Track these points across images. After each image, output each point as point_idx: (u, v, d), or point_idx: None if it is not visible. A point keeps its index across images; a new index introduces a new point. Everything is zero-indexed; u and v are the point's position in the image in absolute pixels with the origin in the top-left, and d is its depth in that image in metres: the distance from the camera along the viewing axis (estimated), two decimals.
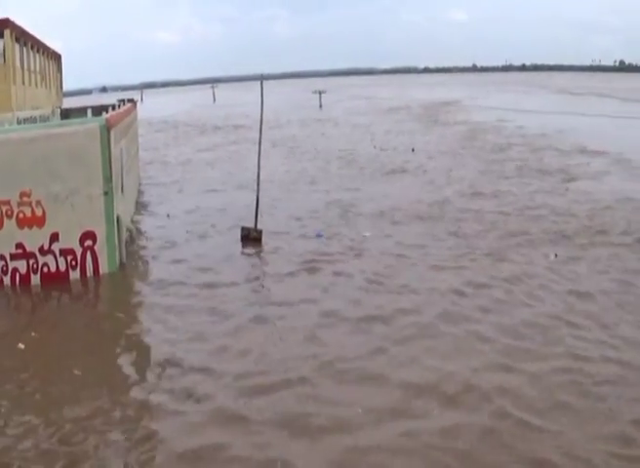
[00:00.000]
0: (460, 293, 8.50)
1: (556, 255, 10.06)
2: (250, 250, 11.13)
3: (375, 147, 24.27)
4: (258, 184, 12.01)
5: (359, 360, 6.68)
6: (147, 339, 7.48)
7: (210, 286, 9.13)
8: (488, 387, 5.98)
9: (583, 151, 21.88)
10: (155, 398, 5.95)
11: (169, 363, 6.66)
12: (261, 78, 12.62)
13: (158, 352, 7.00)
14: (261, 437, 5.29)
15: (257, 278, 9.73)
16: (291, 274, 9.56)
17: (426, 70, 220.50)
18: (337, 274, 9.44)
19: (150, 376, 6.46)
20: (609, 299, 8.20)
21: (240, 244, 11.38)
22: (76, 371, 6.53)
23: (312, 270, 9.71)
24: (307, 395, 5.99)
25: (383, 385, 6.14)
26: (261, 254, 10.92)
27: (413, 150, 23.03)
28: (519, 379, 6.16)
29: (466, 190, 15.64)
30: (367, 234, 11.79)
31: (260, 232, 11.53)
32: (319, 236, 11.58)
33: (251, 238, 11.50)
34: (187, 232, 12.31)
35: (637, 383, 6.06)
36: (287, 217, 13.31)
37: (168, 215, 13.69)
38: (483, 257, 10.10)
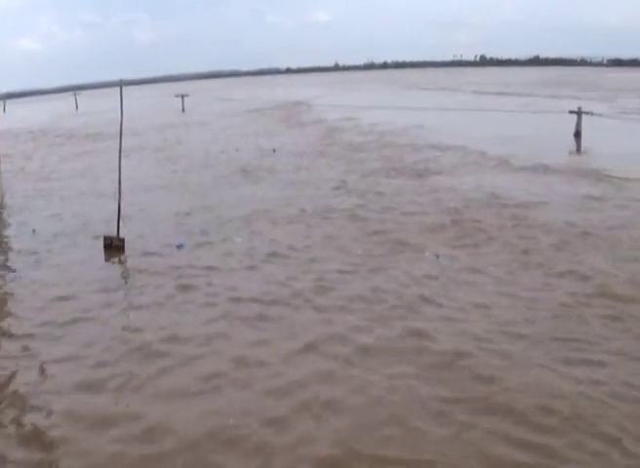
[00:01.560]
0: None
1: (438, 256, 10.34)
2: (112, 259, 11.11)
3: (235, 150, 24.30)
4: (119, 193, 11.91)
5: None
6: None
7: (63, 299, 9.17)
8: None
9: (435, 146, 22.82)
10: None
11: None
12: (121, 84, 12.50)
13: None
14: None
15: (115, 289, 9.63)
16: (159, 286, 9.55)
17: (289, 71, 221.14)
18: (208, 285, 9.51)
19: None
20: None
21: (103, 253, 11.32)
22: None
23: (183, 287, 9.60)
24: None
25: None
26: (124, 264, 10.92)
27: (274, 151, 23.26)
28: None
29: (333, 190, 15.94)
30: (239, 240, 11.90)
31: (123, 240, 11.52)
32: (180, 246, 11.48)
33: (114, 246, 11.51)
34: (55, 236, 12.37)
35: None
36: (152, 225, 13.24)
37: (33, 231, 13.20)
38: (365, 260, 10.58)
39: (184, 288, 9.42)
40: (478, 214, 12.94)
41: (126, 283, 10.09)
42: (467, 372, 6.65)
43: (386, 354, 7.15)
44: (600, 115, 25.13)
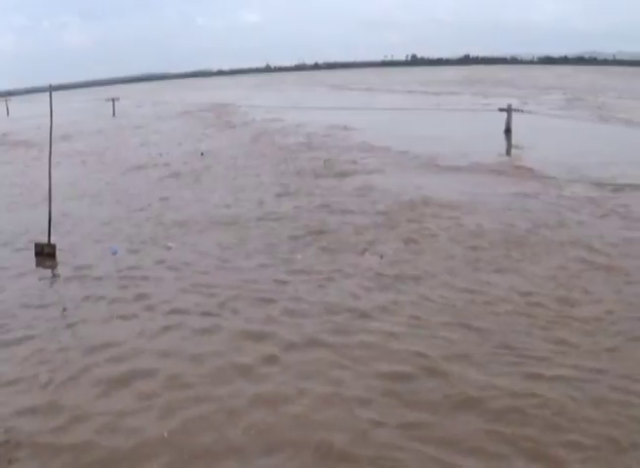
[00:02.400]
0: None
1: (381, 257, 10.38)
2: (43, 266, 10.89)
3: (166, 153, 24.11)
4: (49, 199, 11.66)
5: None
6: None
7: None
8: None
9: (362, 147, 23.13)
10: None
11: None
12: (50, 89, 12.30)
13: None
14: None
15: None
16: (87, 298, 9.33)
17: (220, 73, 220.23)
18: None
19: None
20: None
21: (35, 260, 11.10)
22: None
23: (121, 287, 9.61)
24: None
25: None
26: (55, 272, 10.68)
27: (202, 154, 23.20)
28: None
29: (272, 193, 15.90)
30: (171, 245, 11.79)
31: (54, 247, 11.27)
32: (115, 252, 11.34)
33: (45, 254, 11.23)
34: None
35: None
36: (84, 231, 13.05)
37: None
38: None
39: (117, 295, 9.28)
40: (406, 215, 13.07)
41: (55, 291, 9.83)
42: None
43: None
44: (530, 112, 25.78)
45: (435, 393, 6.23)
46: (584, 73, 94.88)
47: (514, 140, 23.20)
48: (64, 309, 8.94)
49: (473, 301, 8.44)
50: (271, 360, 7.01)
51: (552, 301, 8.29)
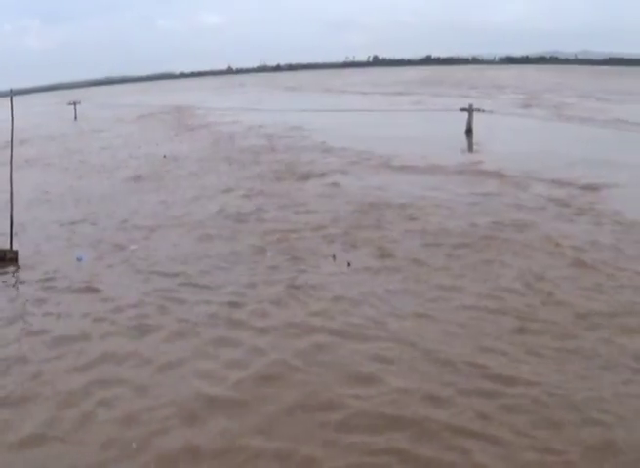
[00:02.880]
0: None
1: (349, 264, 10.31)
2: (4, 272, 10.73)
3: (128, 157, 24.06)
4: (11, 204, 11.47)
5: None
6: None
7: None
8: None
9: (320, 148, 23.30)
10: None
11: None
12: (11, 94, 12.19)
13: None
14: None
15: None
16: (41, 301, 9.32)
17: (182, 75, 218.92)
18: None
19: None
20: None
21: None
22: None
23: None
24: None
25: None
26: (17, 278, 10.58)
27: (165, 156, 23.07)
28: None
29: (224, 194, 16.04)
30: (134, 247, 11.75)
31: (16, 253, 11.16)
32: (80, 259, 11.21)
33: (7, 259, 11.13)
34: None
35: None
36: (46, 236, 12.90)
37: None
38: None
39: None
40: (369, 216, 13.14)
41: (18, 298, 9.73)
42: None
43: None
44: (491, 112, 26.07)
45: None
46: (545, 72, 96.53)
47: (475, 140, 23.51)
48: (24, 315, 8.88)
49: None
50: None
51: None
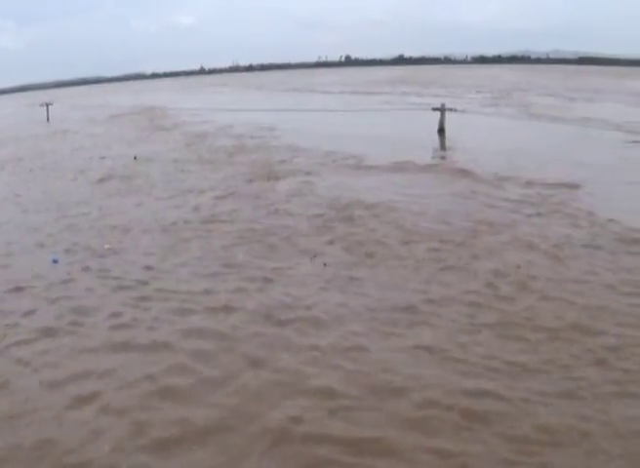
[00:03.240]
0: None
1: (325, 264, 10.22)
2: None
3: (100, 158, 23.80)
4: None
5: None
6: None
7: None
8: None
9: (290, 147, 23.25)
10: None
11: None
12: None
13: None
14: None
15: None
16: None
17: (155, 76, 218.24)
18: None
19: None
20: None
21: None
22: None
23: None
24: None
25: None
26: None
27: (135, 158, 22.78)
28: None
29: (209, 196, 15.85)
30: (108, 246, 11.65)
31: None
32: (55, 261, 11.04)
33: None
34: None
35: None
36: (17, 239, 12.72)
37: None
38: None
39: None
40: (342, 217, 13.12)
41: None
42: None
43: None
44: (464, 111, 26.24)
45: None
46: (516, 72, 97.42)
47: (447, 139, 23.67)
48: None
49: None
50: None
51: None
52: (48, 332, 8.03)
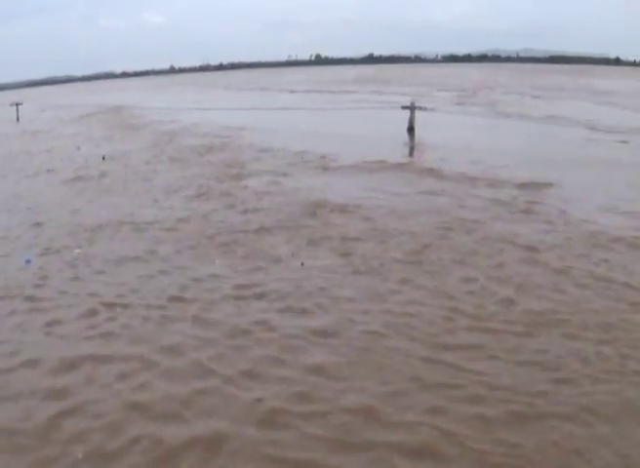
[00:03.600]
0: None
1: (302, 264, 10.24)
2: None
3: (69, 158, 23.59)
4: None
5: None
6: None
7: None
8: None
9: (258, 147, 23.18)
10: None
11: None
12: None
13: None
14: None
15: None
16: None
17: (124, 75, 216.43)
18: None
19: None
20: None
21: None
22: None
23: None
24: None
25: None
26: None
27: (103, 158, 22.58)
28: None
29: (171, 195, 15.88)
30: (78, 250, 11.55)
31: None
32: (28, 261, 10.96)
33: None
34: None
35: None
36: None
37: None
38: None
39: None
40: (309, 218, 13.07)
41: None
42: None
43: None
44: (433, 110, 26.30)
45: None
46: (485, 70, 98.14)
47: (417, 138, 23.83)
48: None
49: None
50: None
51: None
52: None
